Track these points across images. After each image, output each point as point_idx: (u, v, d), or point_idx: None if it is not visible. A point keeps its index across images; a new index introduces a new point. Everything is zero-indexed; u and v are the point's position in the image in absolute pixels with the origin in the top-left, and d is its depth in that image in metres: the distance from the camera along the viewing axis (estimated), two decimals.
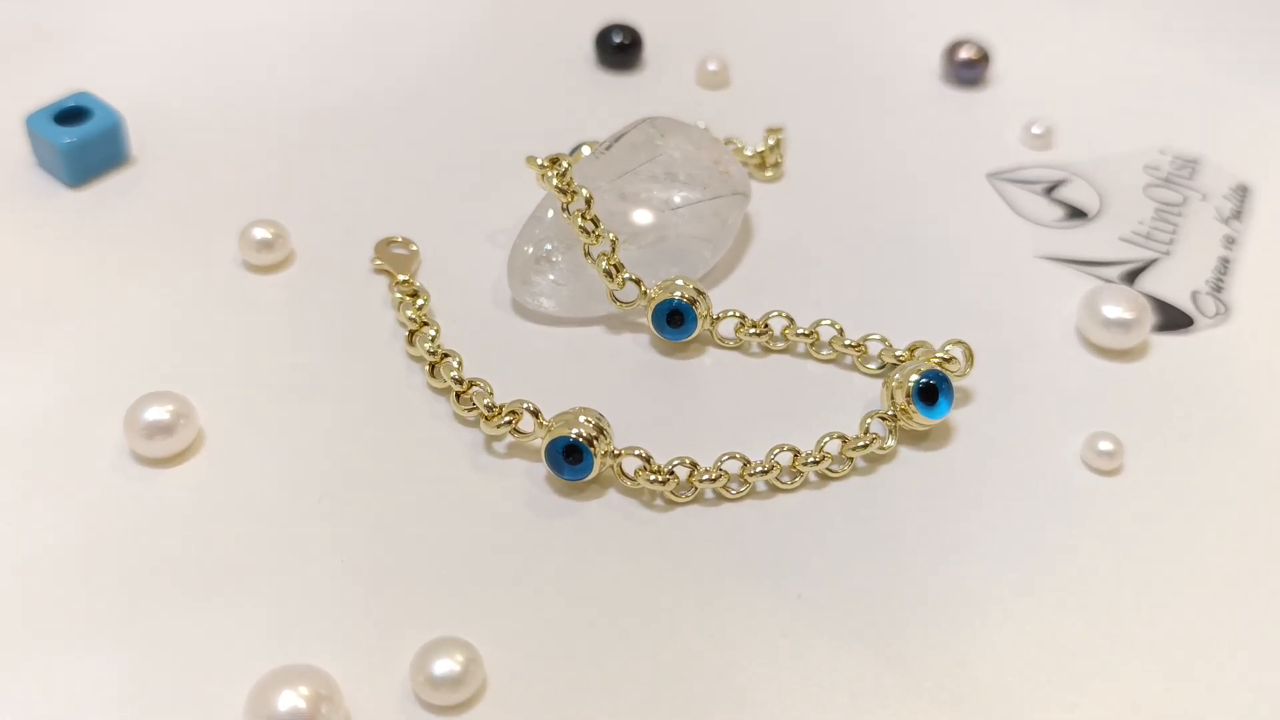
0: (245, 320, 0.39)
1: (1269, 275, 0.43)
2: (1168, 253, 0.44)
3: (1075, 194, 0.46)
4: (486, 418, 0.36)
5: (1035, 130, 0.48)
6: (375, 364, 0.38)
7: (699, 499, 0.35)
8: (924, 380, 0.36)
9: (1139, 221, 0.45)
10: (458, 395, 0.37)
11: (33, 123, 0.42)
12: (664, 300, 0.39)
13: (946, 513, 0.35)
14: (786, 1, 0.55)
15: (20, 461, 0.35)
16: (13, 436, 0.36)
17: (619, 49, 0.50)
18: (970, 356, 0.38)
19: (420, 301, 0.39)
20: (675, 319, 0.39)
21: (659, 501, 0.35)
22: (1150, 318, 0.40)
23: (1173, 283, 0.42)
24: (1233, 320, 0.41)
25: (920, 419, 0.36)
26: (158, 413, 0.35)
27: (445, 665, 0.30)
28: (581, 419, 0.35)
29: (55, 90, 0.44)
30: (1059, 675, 0.32)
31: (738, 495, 0.35)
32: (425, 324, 0.39)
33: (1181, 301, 0.42)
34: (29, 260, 0.41)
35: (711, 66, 0.50)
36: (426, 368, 0.38)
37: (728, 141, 0.46)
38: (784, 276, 0.42)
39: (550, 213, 0.40)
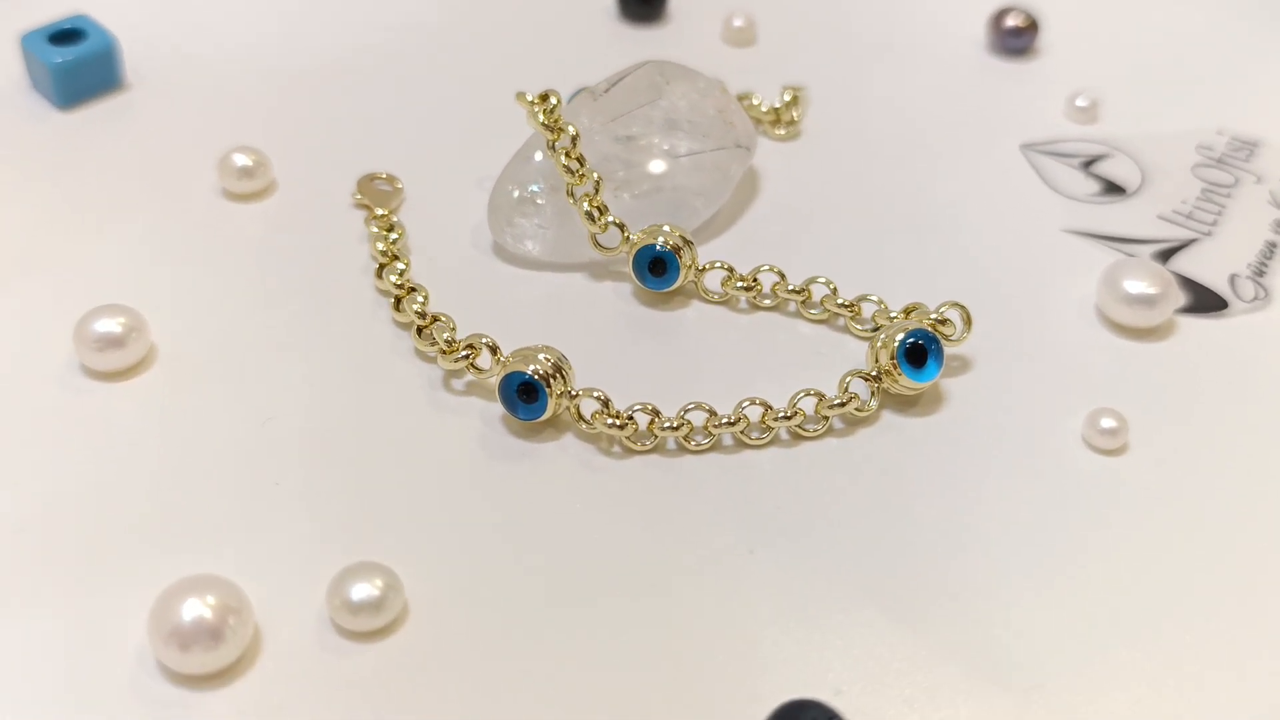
0: (216, 246, 0.38)
1: None
2: (1209, 234, 0.40)
3: (1115, 169, 0.43)
4: (444, 352, 0.34)
5: (1080, 103, 0.45)
6: (342, 296, 0.37)
7: (659, 448, 0.33)
8: (911, 340, 0.34)
9: (1182, 201, 0.41)
10: (419, 330, 0.35)
11: (27, 42, 0.41)
12: (646, 246, 0.36)
13: (924, 483, 0.32)
14: None
15: None
16: None
17: (642, 1, 0.48)
18: (968, 320, 0.35)
19: (394, 236, 0.38)
20: (657, 267, 0.37)
21: (617, 449, 0.33)
22: (1176, 295, 0.37)
23: (1211, 264, 0.39)
24: (1273, 306, 0.38)
25: (906, 382, 0.34)
26: (108, 325, 0.34)
27: (363, 590, 0.28)
28: (541, 356, 0.33)
29: (56, 12, 0.44)
30: (1028, 659, 0.29)
31: (699, 448, 0.33)
32: (396, 258, 0.37)
33: (1217, 284, 0.38)
34: (5, 178, 0.40)
35: (737, 23, 0.47)
36: (392, 301, 0.36)
37: (742, 96, 0.44)
38: (786, 234, 0.40)
39: (538, 154, 0.38)
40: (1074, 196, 0.42)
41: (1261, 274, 0.39)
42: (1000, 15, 0.47)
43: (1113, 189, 0.42)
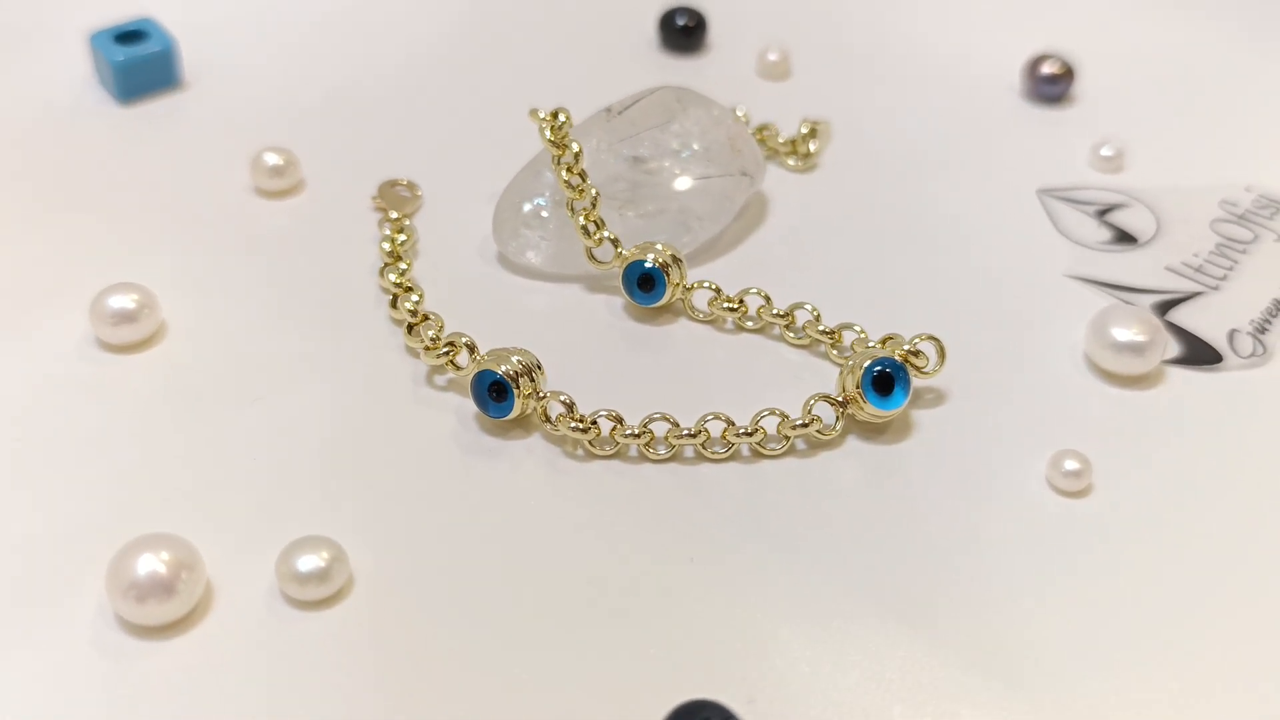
0: (240, 237, 0.41)
1: None
2: (1217, 288, 0.40)
3: (1130, 219, 0.42)
4: (427, 349, 0.36)
5: (1104, 152, 0.44)
6: (348, 291, 0.39)
7: (621, 454, 0.34)
8: (878, 368, 0.34)
9: (1194, 254, 0.41)
10: (410, 327, 0.37)
11: (96, 41, 0.45)
12: (636, 262, 0.38)
13: (878, 511, 0.33)
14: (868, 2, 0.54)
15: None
16: None
17: (682, 31, 0.49)
18: (942, 353, 0.35)
19: (403, 238, 0.40)
20: (646, 283, 0.38)
21: (580, 452, 0.34)
22: (1164, 344, 0.36)
23: (1212, 319, 0.39)
24: (1270, 364, 0.37)
25: (870, 409, 0.34)
26: (123, 301, 0.36)
27: (310, 561, 0.30)
28: (514, 358, 0.34)
29: (125, 14, 0.47)
30: (975, 690, 0.29)
31: (659, 457, 0.34)
32: (399, 259, 0.39)
33: (1215, 338, 0.38)
34: (60, 158, 0.43)
35: (772, 57, 0.48)
36: (390, 298, 0.38)
37: (763, 127, 0.45)
38: (787, 260, 0.41)
39: (548, 171, 0.40)
40: (1083, 243, 0.41)
41: (1264, 330, 0.38)
42: (1036, 62, 0.47)
43: (1124, 238, 0.42)
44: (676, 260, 0.38)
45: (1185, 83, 0.49)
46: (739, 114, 0.44)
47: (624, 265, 0.38)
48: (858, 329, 0.37)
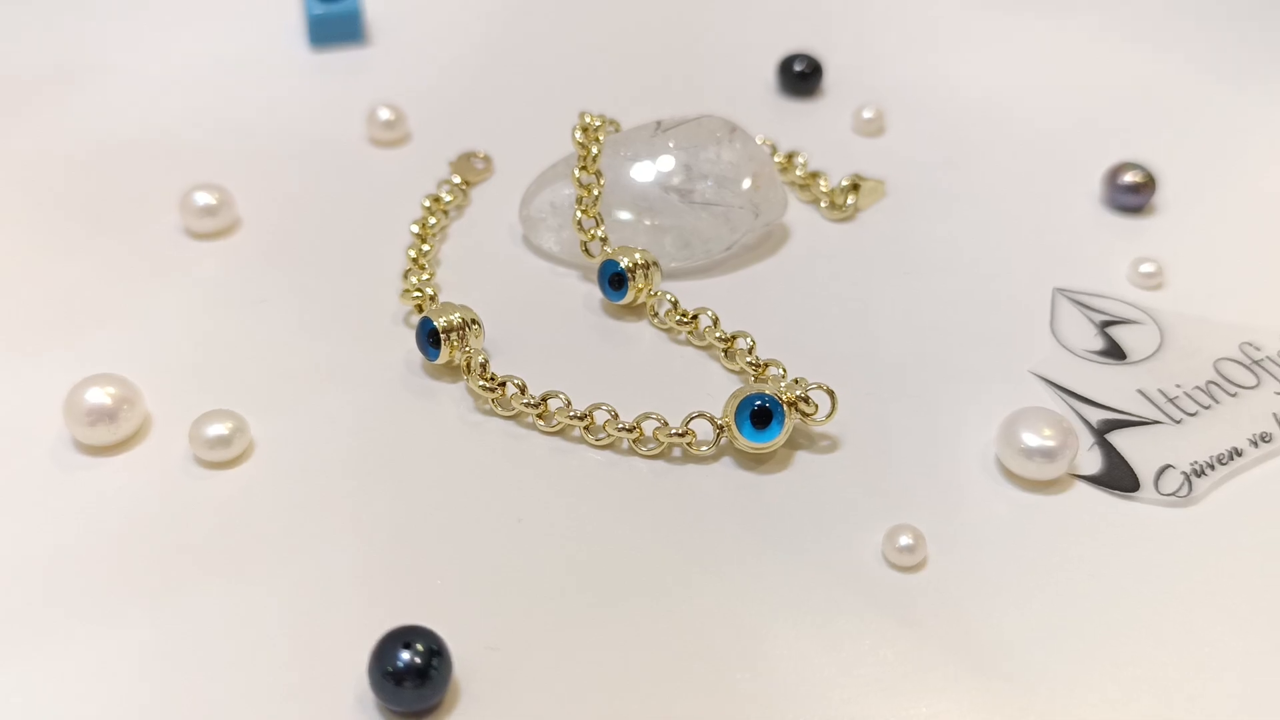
0: (347, 181, 0.48)
1: (1272, 490, 0.37)
2: (1179, 422, 0.39)
3: (1131, 336, 0.42)
4: (405, 291, 0.42)
5: (1144, 269, 0.44)
6: (380, 246, 0.45)
7: (519, 419, 0.38)
8: (759, 403, 0.37)
9: (1176, 384, 0.40)
10: (405, 273, 0.43)
11: None
12: (610, 261, 0.42)
13: (709, 536, 0.35)
14: (980, 72, 0.55)
15: None
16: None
17: (799, 76, 0.52)
18: (834, 405, 0.37)
19: (449, 199, 0.46)
20: (616, 281, 0.42)
21: (488, 406, 0.39)
22: (1070, 455, 0.36)
23: (1151, 450, 0.38)
24: (1187, 510, 0.36)
25: (738, 438, 0.37)
26: (205, 198, 0.45)
27: (216, 429, 0.37)
28: (455, 315, 0.39)
29: None
30: None
31: (548, 430, 0.38)
32: (436, 220, 0.45)
33: (1142, 467, 0.37)
34: (245, 89, 0.53)
35: (867, 114, 0.50)
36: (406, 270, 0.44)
37: (815, 174, 0.47)
38: (773, 296, 0.43)
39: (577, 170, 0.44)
40: (1068, 346, 0.41)
41: (1201, 474, 0.37)
42: (1118, 169, 0.47)
43: (1114, 353, 0.41)
44: (649, 266, 0.41)
45: (1270, 217, 0.47)
46: (799, 160, 0.47)
47: (600, 262, 0.42)
48: (782, 368, 0.39)
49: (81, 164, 0.49)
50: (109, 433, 0.37)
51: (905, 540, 0.35)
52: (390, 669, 0.30)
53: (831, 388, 0.37)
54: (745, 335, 0.40)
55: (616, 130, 0.45)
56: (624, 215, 0.44)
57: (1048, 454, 0.36)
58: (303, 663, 0.32)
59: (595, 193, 0.43)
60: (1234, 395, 0.40)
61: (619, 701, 0.31)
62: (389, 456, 0.37)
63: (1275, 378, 0.40)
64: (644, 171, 0.44)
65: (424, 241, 0.44)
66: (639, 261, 0.41)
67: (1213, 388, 0.40)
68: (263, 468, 0.37)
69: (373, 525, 0.35)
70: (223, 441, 0.37)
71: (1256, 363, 0.41)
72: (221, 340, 0.41)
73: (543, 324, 0.42)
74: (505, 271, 0.44)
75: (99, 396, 0.37)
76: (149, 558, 0.34)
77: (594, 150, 0.43)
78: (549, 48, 0.56)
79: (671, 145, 0.44)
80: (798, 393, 0.37)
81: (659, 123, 0.45)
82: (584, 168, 0.43)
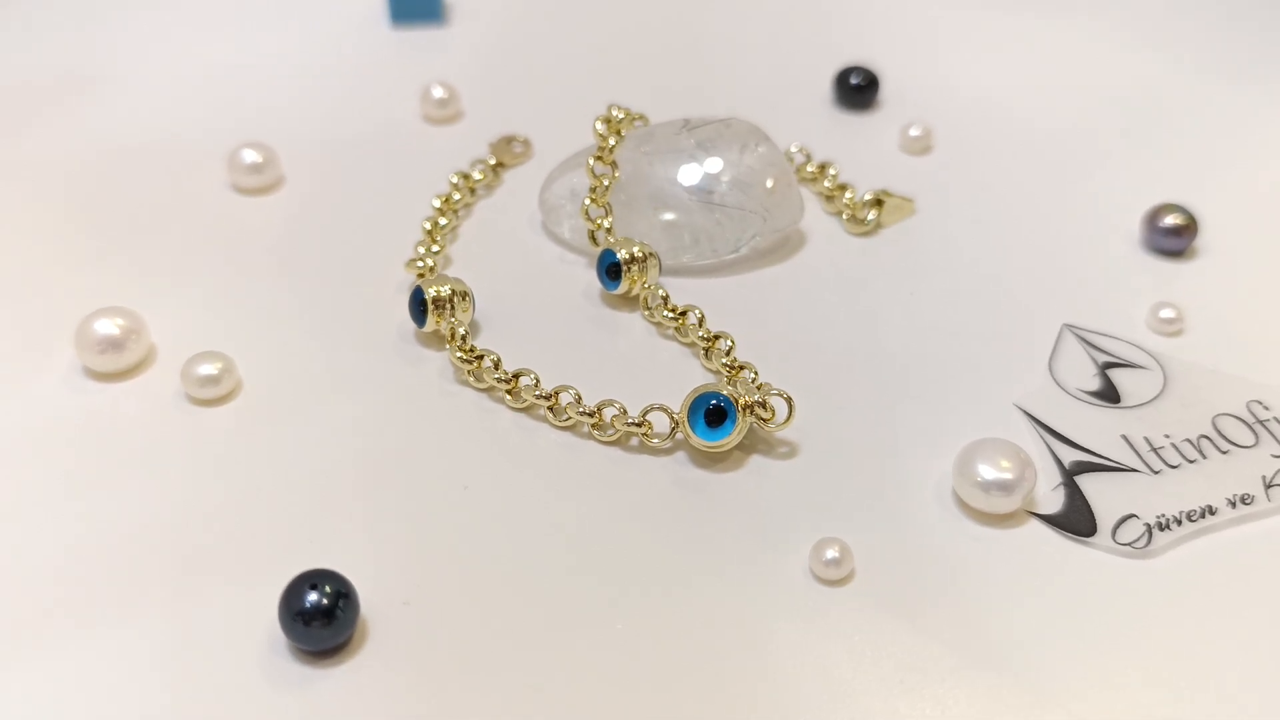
0: (405, 155, 0.50)
1: (1241, 555, 0.35)
2: (1157, 472, 0.37)
3: (1131, 381, 0.40)
4: (411, 260, 0.43)
5: (1164, 314, 0.42)
6: (407, 218, 0.47)
7: (491, 391, 0.40)
8: (714, 402, 0.37)
9: (1165, 434, 0.38)
10: (417, 243, 0.45)
11: None
12: (607, 250, 0.42)
13: (657, 527, 0.36)
14: (1041, 101, 0.53)
15: None
16: None
17: (855, 89, 0.52)
18: (790, 412, 0.37)
19: (479, 176, 0.47)
20: (613, 271, 0.42)
21: (465, 378, 0.40)
22: (1022, 492, 0.35)
23: (1118, 498, 0.36)
24: (1142, 563, 0.35)
25: (691, 435, 0.37)
26: (250, 155, 0.47)
27: (206, 368, 0.39)
28: (446, 286, 0.41)
29: None
30: None
31: (515, 406, 0.39)
32: (460, 197, 0.47)
33: (1104, 514, 0.36)
34: (323, 58, 0.55)
35: (914, 132, 0.50)
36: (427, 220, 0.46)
37: (842, 186, 0.47)
38: (777, 302, 0.43)
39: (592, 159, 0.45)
40: (1062, 383, 0.40)
41: (1165, 528, 0.36)
42: (1158, 212, 0.45)
43: (1108, 395, 0.40)
44: (646, 259, 0.42)
45: None
46: (830, 171, 0.47)
47: (599, 251, 0.43)
48: (754, 372, 0.39)
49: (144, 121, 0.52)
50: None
51: (831, 554, 0.34)
52: (298, 610, 0.32)
53: (791, 395, 0.37)
54: (727, 336, 0.40)
55: (645, 124, 0.46)
56: (639, 209, 0.44)
57: (1004, 487, 0.36)
58: (221, 603, 0.33)
59: (607, 183, 0.43)
60: (1225, 453, 0.38)
61: (520, 654, 0.32)
62: (361, 414, 0.39)
63: (1276, 440, 0.38)
64: (663, 168, 0.44)
65: (442, 215, 0.46)
66: (636, 254, 0.42)
67: (1204, 442, 0.38)
68: (245, 406, 0.39)
69: (326, 473, 0.37)
70: (212, 380, 0.39)
71: (1261, 422, 0.39)
72: (230, 289, 0.44)
73: (539, 306, 0.43)
74: (516, 253, 0.45)
75: (108, 327, 0.40)
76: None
77: (611, 142, 0.44)
78: (615, 43, 0.57)
79: (693, 144, 0.44)
80: (756, 397, 0.37)
81: (686, 120, 0.46)
82: (599, 158, 0.44)
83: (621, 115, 0.45)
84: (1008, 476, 0.36)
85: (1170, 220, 0.45)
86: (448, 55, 0.56)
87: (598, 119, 0.45)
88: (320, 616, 0.32)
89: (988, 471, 0.36)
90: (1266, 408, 0.39)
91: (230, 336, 0.41)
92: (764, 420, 0.37)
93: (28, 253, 0.45)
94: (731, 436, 0.37)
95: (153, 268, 0.44)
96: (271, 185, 0.48)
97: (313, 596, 0.32)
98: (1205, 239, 0.46)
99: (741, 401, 0.37)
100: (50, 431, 0.38)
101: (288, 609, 0.32)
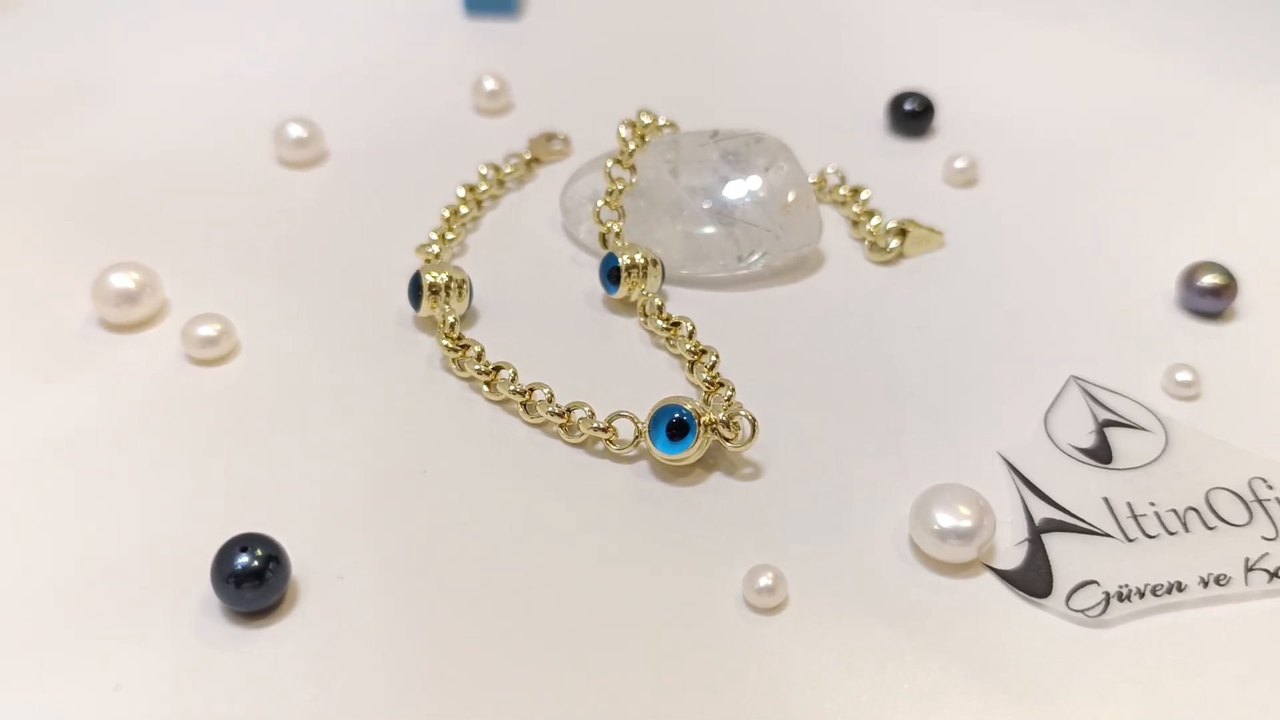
0: (453, 147, 0.51)
1: (1203, 636, 0.33)
2: (1132, 540, 0.35)
3: (1128, 442, 0.38)
4: (420, 246, 0.44)
5: (1180, 376, 0.40)
6: (433, 205, 0.48)
7: (473, 382, 0.40)
8: (676, 415, 0.36)
9: (1150, 502, 0.36)
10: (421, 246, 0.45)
11: None
12: (610, 254, 0.42)
13: (605, 534, 0.35)
14: (1097, 144, 0.51)
15: None
16: None
17: (909, 115, 0.51)
18: (754, 434, 0.37)
19: (509, 169, 0.48)
20: (615, 276, 0.42)
21: (453, 365, 0.41)
22: (977, 544, 0.34)
23: (1083, 562, 0.35)
24: (1092, 632, 0.33)
25: (651, 446, 0.37)
26: (296, 130, 0.49)
27: (205, 330, 0.41)
28: (444, 274, 0.41)
29: None
30: None
31: (493, 398, 0.39)
32: (485, 188, 0.47)
33: (1063, 577, 0.34)
34: (393, 46, 0.57)
35: (959, 164, 0.48)
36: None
37: (869, 212, 0.46)
38: (779, 320, 0.43)
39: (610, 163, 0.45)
40: (1054, 437, 0.38)
41: (1124, 599, 0.34)
42: (1194, 270, 0.43)
43: (1100, 455, 0.38)
44: (648, 265, 0.42)
45: None
46: (862, 196, 0.46)
47: (605, 255, 0.43)
48: (731, 389, 0.39)
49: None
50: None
51: (765, 581, 0.34)
52: (229, 572, 0.33)
53: (757, 418, 0.37)
54: (713, 351, 0.40)
55: (675, 131, 0.46)
56: (657, 216, 0.44)
57: (962, 535, 0.34)
58: (157, 567, 0.35)
59: (621, 187, 0.43)
60: (1212, 529, 0.36)
61: (439, 637, 0.33)
62: (343, 386, 0.40)
63: (1273, 522, 0.36)
64: (684, 177, 0.44)
65: (464, 205, 0.46)
66: (638, 260, 0.42)
67: (1190, 515, 0.36)
68: (241, 367, 0.41)
69: (291, 440, 0.38)
70: (211, 341, 0.41)
71: (1260, 500, 0.37)
72: (249, 257, 0.45)
73: (541, 303, 0.43)
74: (531, 249, 0.46)
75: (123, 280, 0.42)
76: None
77: (632, 146, 0.44)
78: (681, 53, 0.57)
79: (717, 156, 0.44)
80: (721, 415, 0.37)
81: (715, 132, 0.45)
82: (619, 161, 0.44)
83: (649, 121, 0.44)
84: (966, 524, 0.34)
85: (1208, 280, 0.42)
86: (514, 48, 0.56)
87: (622, 122, 0.45)
88: (251, 578, 0.33)
89: (945, 519, 0.35)
90: (1270, 486, 0.37)
91: (235, 302, 0.42)
92: (726, 439, 0.37)
93: (47, 258, 0.46)
94: (690, 451, 0.36)
95: (176, 234, 0.46)
96: (314, 160, 0.49)
97: (243, 559, 0.33)
98: (1247, 301, 0.43)
99: (704, 418, 0.37)
100: (68, 437, 0.39)
101: (219, 571, 0.33)
